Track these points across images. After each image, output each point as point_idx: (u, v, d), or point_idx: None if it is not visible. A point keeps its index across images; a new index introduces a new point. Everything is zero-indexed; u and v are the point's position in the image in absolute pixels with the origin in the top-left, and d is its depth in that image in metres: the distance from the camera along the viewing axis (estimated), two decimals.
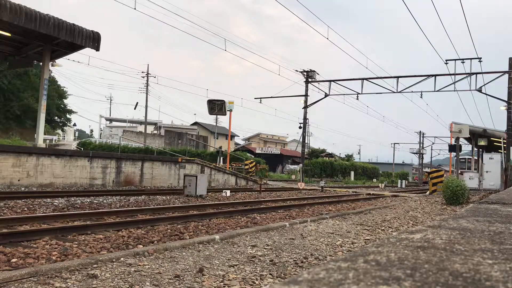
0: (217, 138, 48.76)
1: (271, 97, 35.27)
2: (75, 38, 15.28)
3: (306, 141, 36.51)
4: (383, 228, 8.93)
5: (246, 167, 31.60)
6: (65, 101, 57.68)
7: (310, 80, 33.82)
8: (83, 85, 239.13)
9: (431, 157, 76.76)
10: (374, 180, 58.04)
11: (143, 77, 54.73)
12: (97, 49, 16.13)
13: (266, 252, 5.81)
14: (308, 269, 2.05)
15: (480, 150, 42.33)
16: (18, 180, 14.36)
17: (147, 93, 54.15)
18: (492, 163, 27.85)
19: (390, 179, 54.35)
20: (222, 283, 4.24)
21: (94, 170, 17.21)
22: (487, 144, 35.51)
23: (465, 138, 34.56)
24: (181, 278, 4.32)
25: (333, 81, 31.82)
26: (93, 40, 15.84)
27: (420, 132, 65.42)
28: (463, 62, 26.29)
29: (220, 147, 32.93)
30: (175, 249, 5.56)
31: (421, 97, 28.96)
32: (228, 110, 29.29)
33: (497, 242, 1.63)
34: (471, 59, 26.24)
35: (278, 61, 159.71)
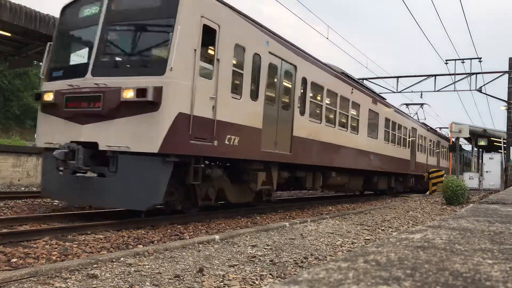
0: None
1: None
2: None
3: None
4: (383, 228, 8.93)
5: None
6: None
7: None
8: None
9: None
10: None
11: None
12: None
13: (266, 252, 5.81)
14: (308, 269, 2.05)
15: (480, 150, 42.35)
16: (18, 180, 14.36)
17: None
18: (492, 163, 27.87)
19: None
20: (222, 283, 4.23)
21: None
22: (487, 144, 35.55)
23: (465, 138, 34.59)
24: (181, 278, 4.32)
25: None
26: None
27: None
28: (463, 62, 26.28)
29: None
30: (175, 249, 5.56)
31: (421, 97, 28.97)
32: None
33: (497, 242, 1.63)
34: (471, 59, 26.22)
35: None
